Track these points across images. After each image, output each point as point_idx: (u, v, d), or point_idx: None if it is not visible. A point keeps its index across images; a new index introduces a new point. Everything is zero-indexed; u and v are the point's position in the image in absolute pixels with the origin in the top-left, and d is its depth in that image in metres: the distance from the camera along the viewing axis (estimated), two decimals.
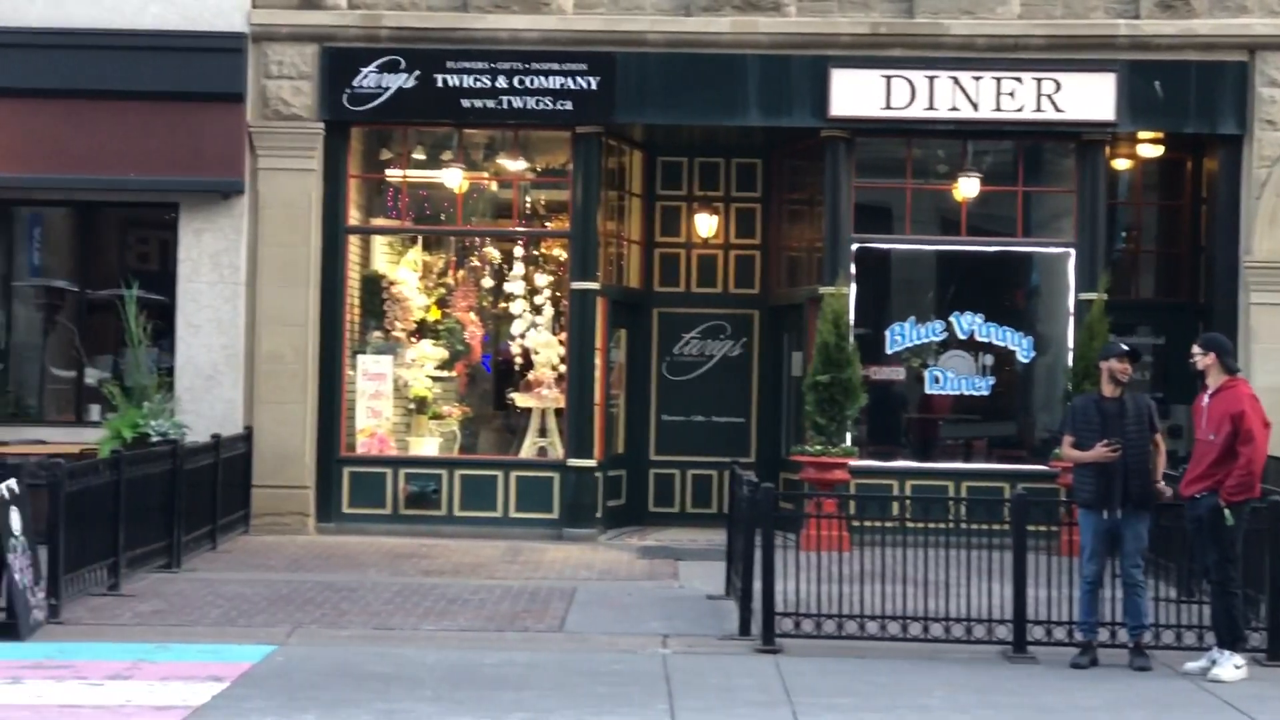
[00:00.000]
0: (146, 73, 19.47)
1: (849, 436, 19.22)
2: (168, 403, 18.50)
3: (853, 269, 19.89)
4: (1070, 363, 19.57)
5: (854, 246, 19.96)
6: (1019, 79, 19.62)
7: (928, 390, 20.40)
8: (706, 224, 21.54)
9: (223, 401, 19.57)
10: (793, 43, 19.76)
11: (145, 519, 16.04)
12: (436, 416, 20.54)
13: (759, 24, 19.73)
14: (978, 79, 19.65)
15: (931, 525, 13.96)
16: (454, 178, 20.48)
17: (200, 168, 19.56)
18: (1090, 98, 19.63)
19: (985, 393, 20.29)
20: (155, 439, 17.65)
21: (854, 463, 19.00)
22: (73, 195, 20.19)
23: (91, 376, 20.11)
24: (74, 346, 20.07)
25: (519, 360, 20.71)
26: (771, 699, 11.56)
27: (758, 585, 13.42)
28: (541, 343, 20.53)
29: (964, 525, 14.17)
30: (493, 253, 20.95)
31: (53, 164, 19.55)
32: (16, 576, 13.00)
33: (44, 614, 13.43)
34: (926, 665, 12.88)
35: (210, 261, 19.72)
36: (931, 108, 19.66)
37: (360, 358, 20.32)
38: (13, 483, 13.38)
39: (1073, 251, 19.99)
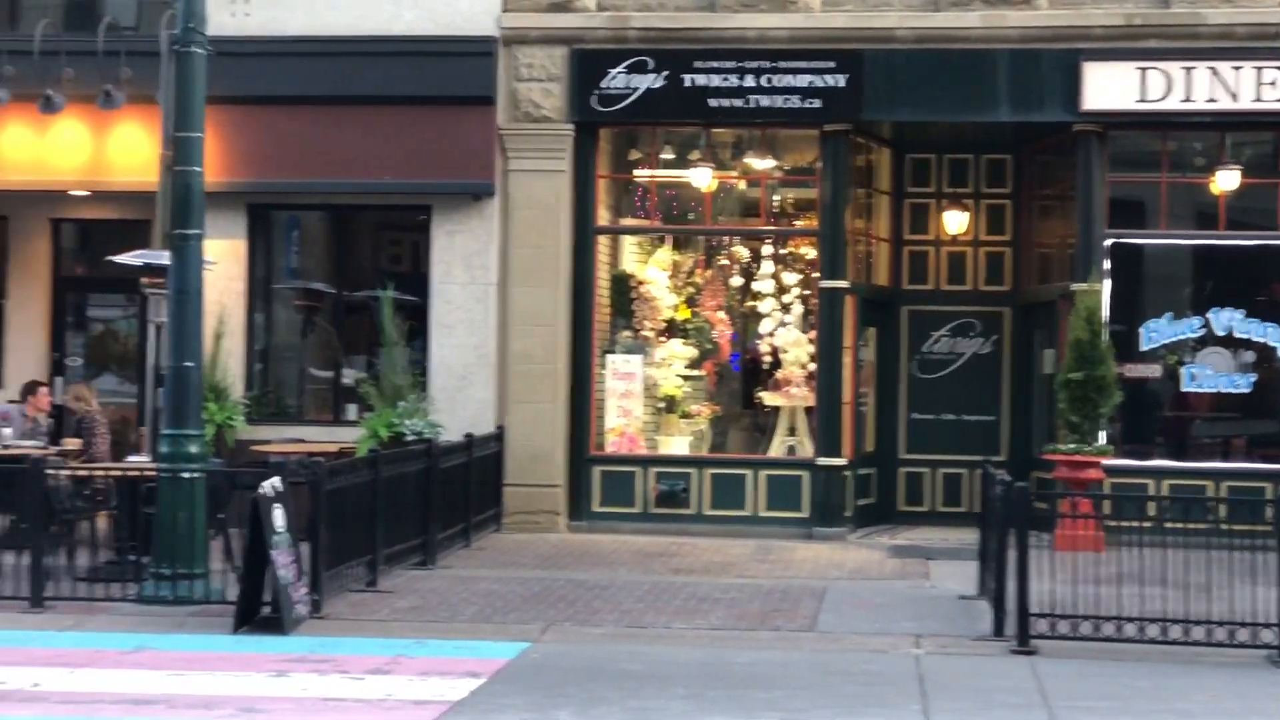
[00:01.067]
0: (400, 78, 19.83)
1: (1103, 435, 18.88)
2: (422, 402, 18.80)
3: (1106, 265, 19.54)
4: None
5: (1107, 242, 19.61)
6: None
7: (1184, 388, 19.96)
8: (956, 221, 21.32)
9: (475, 401, 19.86)
10: (1043, 36, 19.46)
11: (401, 517, 16.32)
12: (686, 415, 20.61)
13: (1008, 18, 19.47)
14: (1237, 69, 19.17)
15: (1190, 526, 13.65)
16: (702, 177, 20.53)
17: (452, 170, 19.86)
18: None
19: (1245, 390, 19.78)
20: (410, 438, 17.95)
21: (1107, 461, 18.66)
22: (329, 199, 20.63)
23: (348, 376, 20.54)
24: (332, 347, 20.49)
25: (767, 359, 20.69)
26: (1028, 701, 11.40)
27: (1012, 586, 13.22)
28: (790, 341, 20.49)
29: (1225, 526, 13.82)
30: (741, 251, 20.96)
31: (310, 169, 20.00)
32: (280, 572, 13.31)
33: (306, 609, 13.73)
34: (1186, 670, 12.59)
35: (462, 263, 20.02)
36: (1188, 99, 19.23)
37: (610, 357, 20.47)
38: (276, 481, 13.70)
39: None
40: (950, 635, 13.69)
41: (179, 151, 14.97)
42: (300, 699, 11.03)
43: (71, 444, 17.94)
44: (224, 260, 19.51)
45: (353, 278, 20.97)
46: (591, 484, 20.14)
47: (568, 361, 20.09)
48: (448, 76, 19.84)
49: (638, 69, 19.79)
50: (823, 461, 19.81)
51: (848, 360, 20.19)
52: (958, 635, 13.68)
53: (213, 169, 15.55)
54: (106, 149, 20.14)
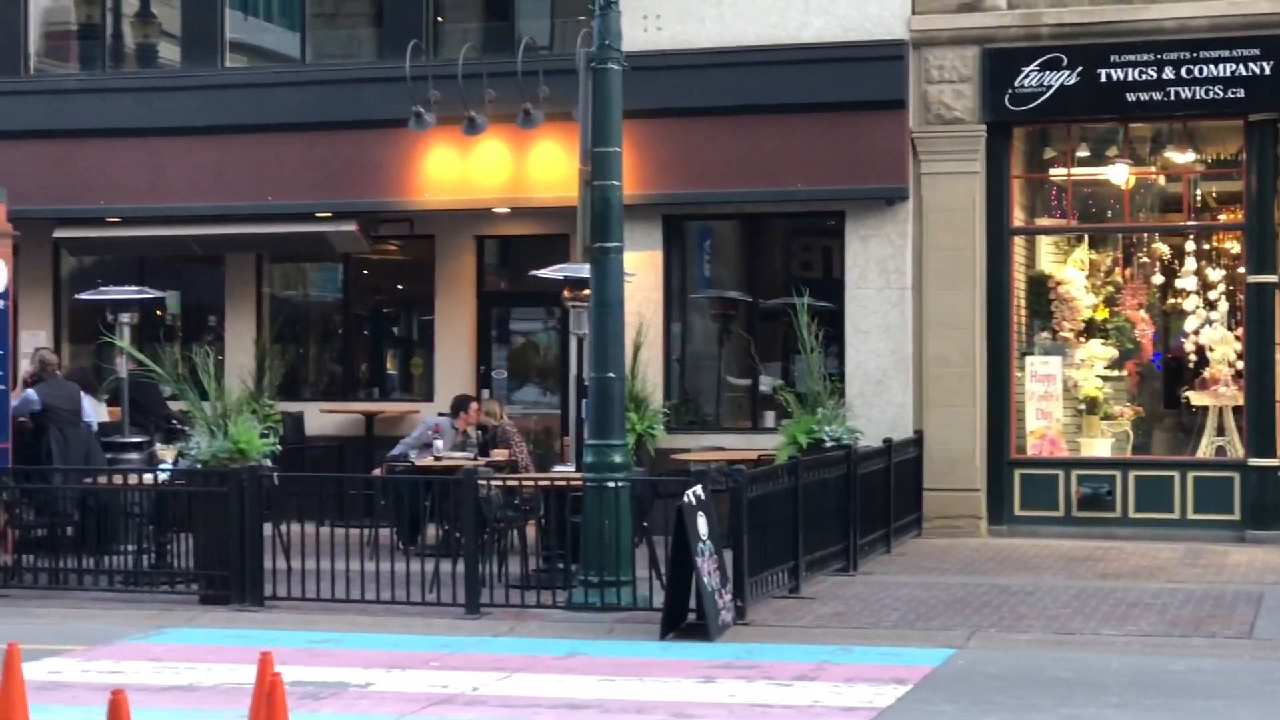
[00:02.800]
0: (808, 85, 19.88)
1: None
2: (840, 408, 18.80)
3: None
4: None
5: None
6: None
7: None
8: None
9: (892, 406, 19.78)
10: None
11: (821, 523, 16.35)
12: (1108, 417, 20.15)
13: None
14: None
15: None
16: (1119, 173, 20.05)
17: (864, 176, 19.82)
18: None
19: None
20: (829, 444, 17.97)
21: None
22: (742, 208, 20.81)
23: (765, 384, 20.67)
24: (748, 355, 20.66)
25: (1192, 357, 20.09)
26: None
27: None
28: (1216, 339, 19.85)
29: None
30: (1161, 248, 20.41)
31: (722, 179, 20.21)
32: (705, 579, 13.46)
33: (730, 615, 13.86)
34: None
35: (876, 267, 19.96)
36: None
37: (1028, 359, 20.15)
38: (699, 489, 13.87)
39: None
40: None
41: (597, 166, 15.29)
42: (729, 705, 11.13)
43: (500, 455, 18.48)
44: (641, 271, 19.85)
45: (766, 285, 21.10)
46: (1012, 488, 19.84)
47: (985, 364, 19.85)
48: (857, 81, 19.81)
49: (1051, 66, 19.43)
50: (1255, 462, 19.12)
51: (1278, 357, 19.43)
52: None
53: (629, 182, 15.84)
54: (526, 166, 20.71)
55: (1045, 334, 20.42)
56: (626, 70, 15.37)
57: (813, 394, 18.48)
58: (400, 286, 23.73)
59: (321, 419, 22.14)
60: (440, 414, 20.25)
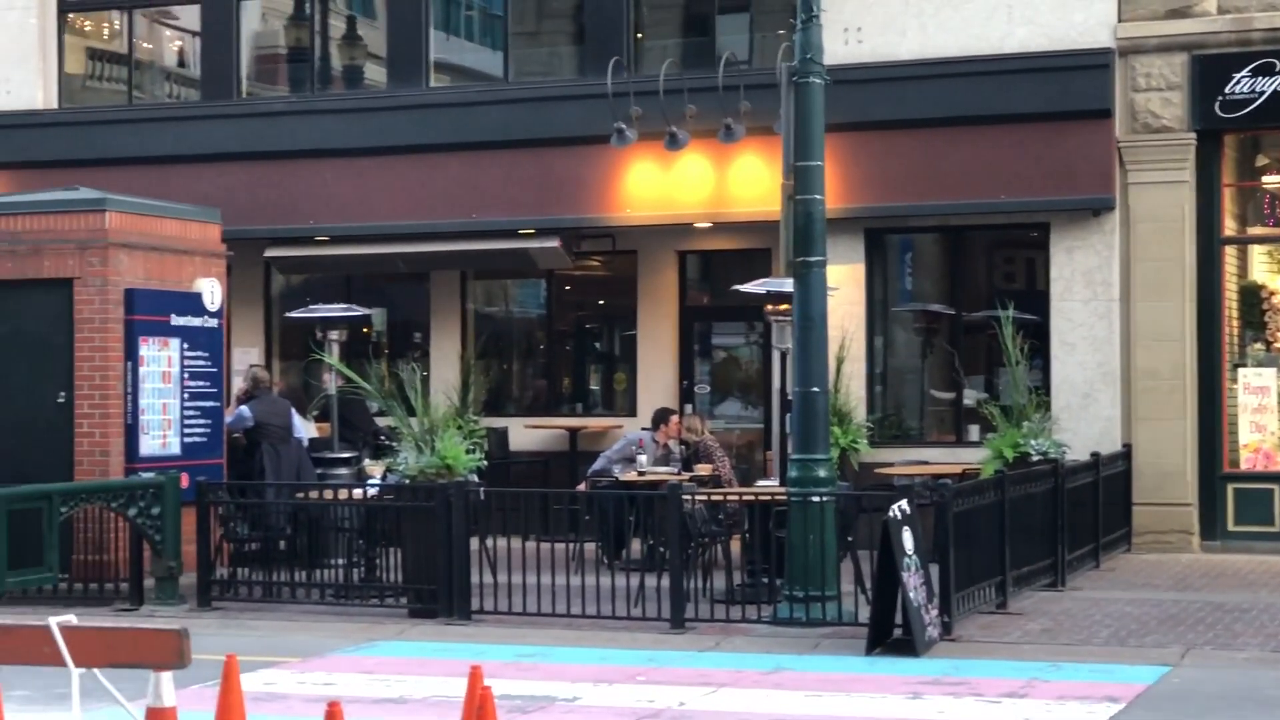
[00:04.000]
0: (1012, 95, 19.67)
1: None
2: (1046, 422, 18.56)
3: None
4: None
5: None
6: None
7: None
8: None
9: (1099, 419, 19.49)
10: None
11: (1028, 538, 16.14)
12: None
13: None
14: None
15: None
16: None
17: (1069, 186, 19.56)
18: None
19: None
20: (1035, 458, 17.75)
21: None
22: (944, 220, 20.64)
23: (969, 397, 20.48)
24: (952, 368, 20.48)
25: None
26: None
27: None
28: None
29: None
30: None
31: (924, 191, 20.07)
32: (911, 594, 13.36)
33: (937, 631, 13.74)
34: None
35: (1082, 279, 19.69)
36: None
37: (1240, 371, 19.74)
38: (904, 503, 13.77)
39: None
40: None
41: (800, 180, 15.26)
42: None
43: (703, 469, 18.50)
44: (844, 285, 19.76)
45: (969, 298, 20.91)
46: (1225, 502, 19.45)
47: (1195, 376, 19.48)
48: (1061, 91, 19.56)
49: (1263, 71, 19.02)
50: None
51: None
52: None
53: (830, 195, 15.78)
54: (727, 181, 20.73)
55: (1259, 345, 19.98)
56: (828, 83, 15.32)
57: (1018, 407, 18.27)
58: (602, 302, 23.88)
59: (525, 434, 22.34)
60: (643, 428, 20.33)
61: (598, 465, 19.46)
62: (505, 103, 21.70)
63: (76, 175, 21.06)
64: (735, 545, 17.00)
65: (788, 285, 15.93)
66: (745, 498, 16.27)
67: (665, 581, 14.86)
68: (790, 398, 15.58)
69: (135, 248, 17.84)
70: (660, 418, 19.75)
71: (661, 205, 21.00)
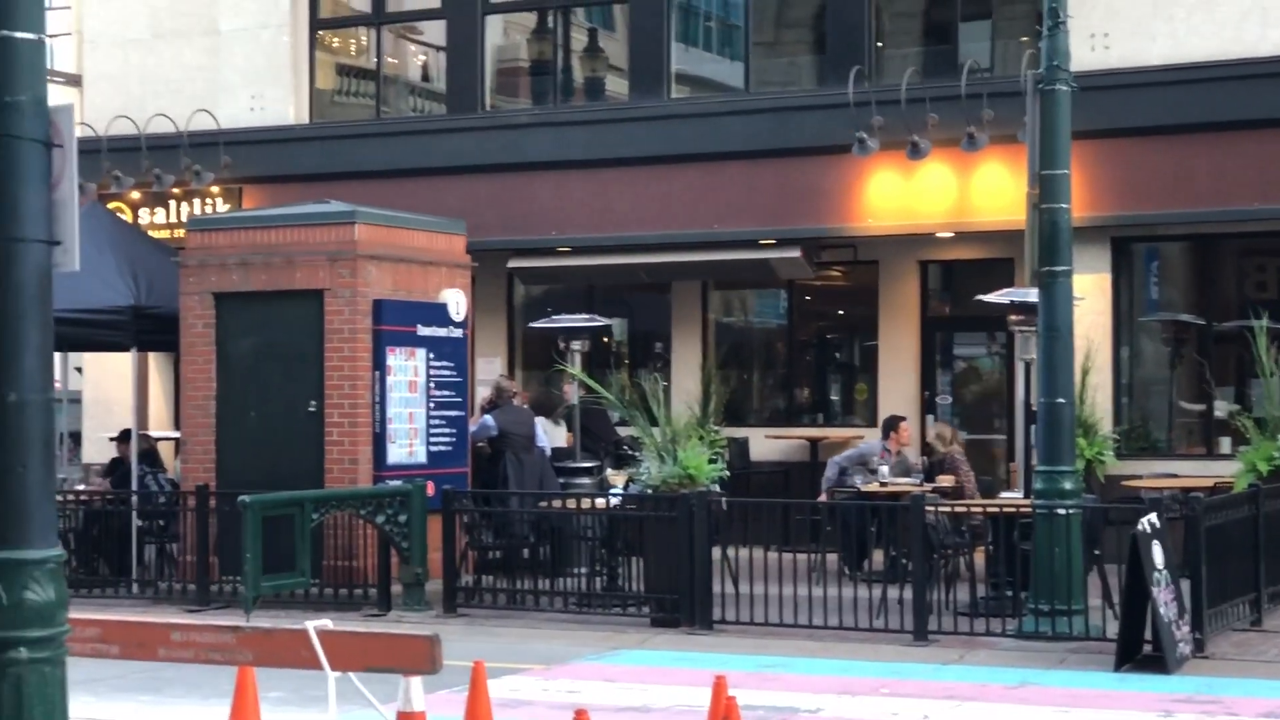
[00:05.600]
0: (1265, 100, 19.18)
1: None
2: None
3: None
4: None
5: None
6: None
7: None
8: None
9: None
10: None
11: None
12: None
13: None
14: None
15: None
16: None
17: None
18: None
19: None
20: None
21: None
22: (1194, 229, 20.22)
23: (1220, 409, 20.02)
24: (1202, 380, 20.03)
25: None
26: None
27: None
28: None
29: None
30: None
31: (1172, 199, 19.68)
32: (1161, 610, 13.09)
33: (1188, 648, 13.44)
34: None
35: None
36: None
37: None
38: (1153, 517, 13.51)
39: None
40: None
41: (1045, 189, 15.05)
42: None
43: (945, 480, 18.33)
44: (1089, 295, 19.43)
45: (1218, 307, 20.46)
46: None
47: None
48: None
49: None
50: None
51: None
52: None
53: (1076, 204, 15.51)
54: (970, 190, 20.53)
55: None
56: (1075, 91, 15.09)
57: (1272, 419, 17.79)
58: (842, 312, 23.79)
59: (766, 444, 22.34)
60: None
61: (829, 473, 19.33)
62: (745, 113, 21.73)
63: (326, 188, 21.54)
64: (979, 557, 16.81)
65: (1032, 295, 15.73)
66: (989, 509, 16.09)
67: (908, 593, 14.75)
68: (1035, 409, 15.37)
69: (383, 259, 18.19)
70: (890, 425, 19.61)
71: (903, 215, 20.86)
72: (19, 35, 6.52)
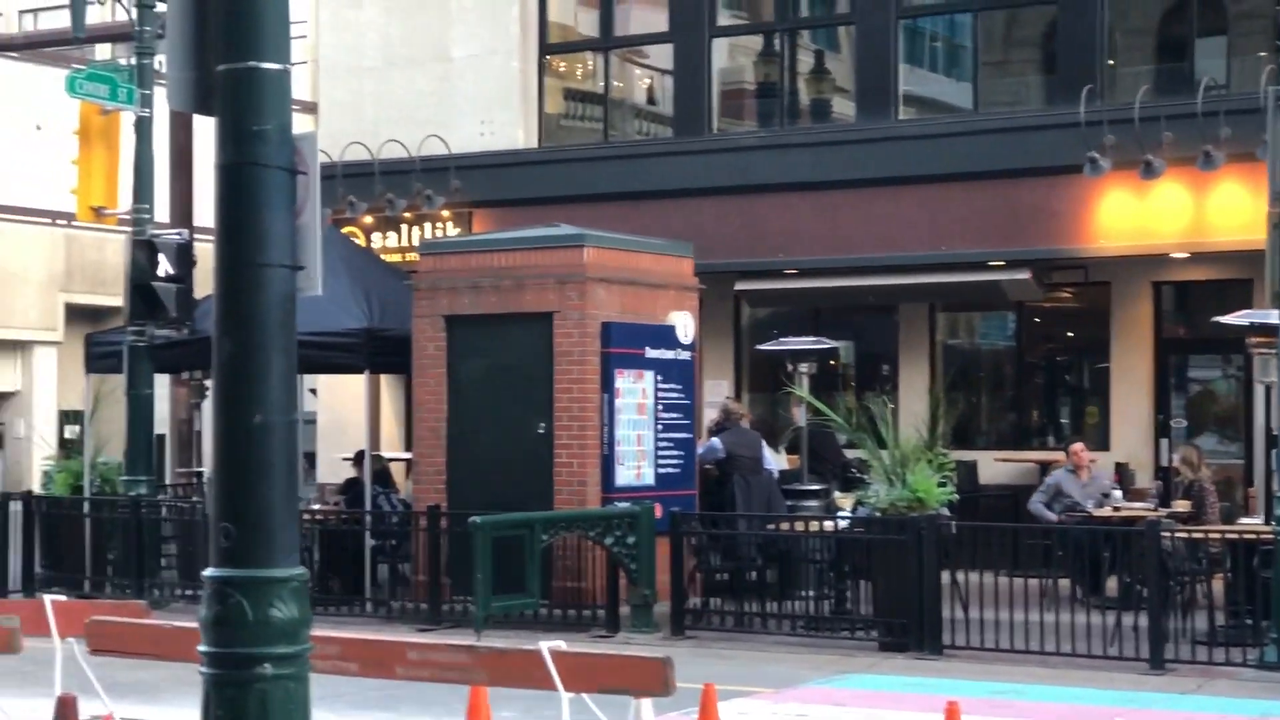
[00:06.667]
0: None
1: None
2: None
3: None
4: None
5: None
6: None
7: None
8: None
9: None
10: None
11: None
12: None
13: None
14: None
15: None
16: None
17: None
18: None
19: None
20: None
21: None
22: None
23: None
24: None
25: None
26: None
27: None
28: None
29: None
30: None
31: None
32: None
33: None
34: None
35: None
36: None
37: None
38: None
39: None
40: None
41: None
42: None
43: (1180, 506, 17.93)
44: None
45: None
46: None
47: None
48: None
49: None
50: None
51: None
52: None
53: None
54: (1206, 210, 20.09)
55: None
56: None
57: None
58: (1072, 334, 23.44)
59: (995, 467, 22.07)
60: (1118, 463, 19.86)
61: (1041, 513, 18.85)
62: (974, 134, 21.50)
63: (554, 211, 21.74)
64: (1217, 585, 16.43)
65: (1272, 317, 15.36)
66: (1228, 536, 15.72)
67: (1143, 621, 14.47)
68: (1276, 433, 15.00)
69: (611, 282, 18.32)
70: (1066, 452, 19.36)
71: (1136, 235, 20.48)
72: (265, 66, 6.69)
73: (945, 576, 15.71)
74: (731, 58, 24.35)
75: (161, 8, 21.04)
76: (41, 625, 9.76)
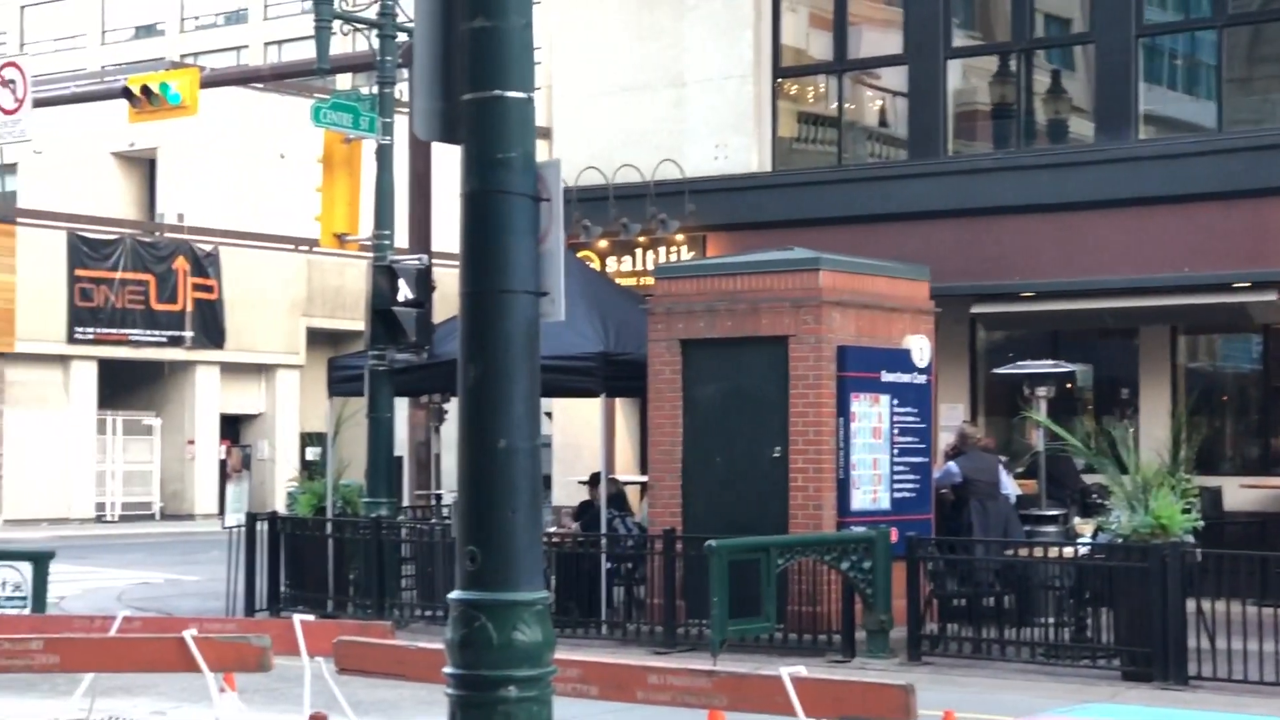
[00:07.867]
0: None
1: None
2: None
3: None
4: None
5: None
6: None
7: None
8: None
9: None
10: None
11: None
12: None
13: None
14: None
15: None
16: None
17: None
18: None
19: None
20: None
21: None
22: None
23: None
24: None
25: None
26: None
27: None
28: None
29: None
30: None
31: None
32: None
33: None
34: None
35: None
36: None
37: None
38: None
39: None
40: None
41: None
42: None
43: None
44: None
45: None
46: None
47: None
48: None
49: None
50: None
51: None
52: None
53: None
54: None
55: None
56: None
57: None
58: None
59: (1240, 494, 21.54)
60: None
61: None
62: (1218, 153, 21.05)
63: (787, 235, 21.70)
64: None
65: None
66: None
67: None
68: None
69: (847, 305, 18.23)
70: None
71: None
72: (510, 94, 6.77)
73: (1190, 605, 15.36)
74: (965, 79, 24.12)
75: (402, 37, 21.47)
76: (290, 644, 9.97)
